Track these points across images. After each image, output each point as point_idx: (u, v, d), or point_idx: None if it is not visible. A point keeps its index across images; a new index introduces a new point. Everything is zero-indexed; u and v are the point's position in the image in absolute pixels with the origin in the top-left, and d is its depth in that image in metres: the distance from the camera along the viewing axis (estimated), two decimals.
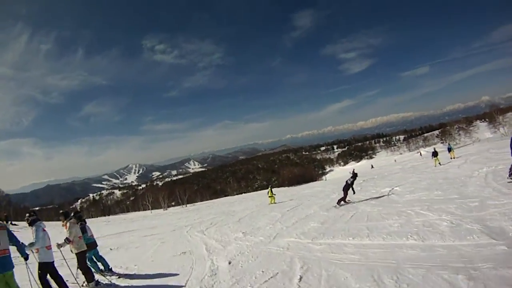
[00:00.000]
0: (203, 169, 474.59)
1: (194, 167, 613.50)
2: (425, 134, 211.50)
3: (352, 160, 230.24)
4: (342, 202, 18.21)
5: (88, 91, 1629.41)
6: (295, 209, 20.97)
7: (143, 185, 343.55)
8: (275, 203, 29.13)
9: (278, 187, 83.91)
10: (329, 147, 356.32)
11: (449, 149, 40.30)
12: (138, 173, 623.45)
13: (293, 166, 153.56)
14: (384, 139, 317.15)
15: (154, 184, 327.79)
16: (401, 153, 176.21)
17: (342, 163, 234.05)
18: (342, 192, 18.48)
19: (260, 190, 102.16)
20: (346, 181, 18.71)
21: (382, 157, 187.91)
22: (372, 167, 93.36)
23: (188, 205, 67.04)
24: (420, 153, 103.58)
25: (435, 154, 34.36)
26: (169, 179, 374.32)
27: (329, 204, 19.28)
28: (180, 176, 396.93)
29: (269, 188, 32.52)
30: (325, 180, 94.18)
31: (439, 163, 32.07)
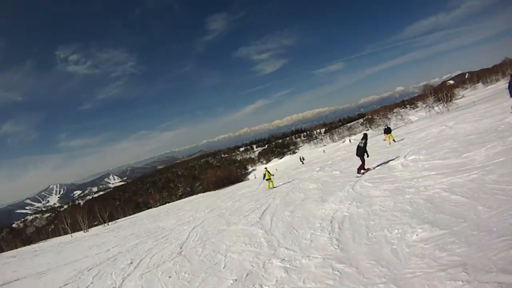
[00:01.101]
0: (123, 183, 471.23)
1: (114, 181, 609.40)
2: (348, 124, 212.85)
3: (275, 157, 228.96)
4: (363, 170, 17.32)
5: (3, 109, 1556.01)
6: (274, 208, 16.98)
7: (66, 206, 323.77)
8: (274, 187, 27.18)
9: (204, 192, 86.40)
10: (248, 147, 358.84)
11: (388, 130, 34.22)
12: (59, 193, 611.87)
13: (215, 169, 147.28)
14: (304, 133, 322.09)
15: (76, 203, 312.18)
16: (325, 145, 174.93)
17: (264, 161, 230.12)
18: (359, 159, 17.46)
19: (185, 197, 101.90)
20: (358, 145, 17.70)
21: (306, 150, 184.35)
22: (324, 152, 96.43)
23: (110, 223, 61.52)
24: (350, 140, 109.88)
25: (388, 130, 32.85)
26: (90, 197, 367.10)
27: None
28: (101, 193, 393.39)
29: (265, 170, 29.56)
30: (255, 177, 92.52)
31: (394, 140, 30.94)
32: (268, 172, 28.58)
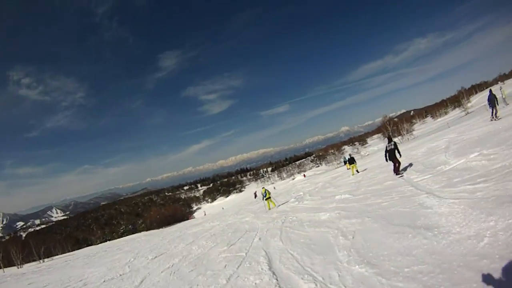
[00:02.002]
0: (65, 217, 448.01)
1: (57, 215, 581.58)
2: (297, 162, 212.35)
3: (220, 196, 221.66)
4: (401, 171, 17.33)
5: None
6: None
7: (7, 237, 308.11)
8: (274, 206, 25.91)
9: (147, 230, 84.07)
10: (192, 186, 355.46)
11: (351, 161, 33.12)
12: (2, 223, 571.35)
13: (159, 207, 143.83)
14: (250, 172, 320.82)
15: (18, 235, 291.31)
16: (273, 183, 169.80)
17: (209, 200, 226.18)
18: (393, 162, 17.44)
19: (127, 235, 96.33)
20: (388, 150, 17.66)
21: (253, 189, 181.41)
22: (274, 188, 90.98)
23: (46, 259, 55.77)
24: (304, 175, 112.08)
25: (351, 160, 30.78)
26: (32, 229, 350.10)
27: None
28: (43, 226, 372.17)
29: (263, 189, 27.86)
30: (205, 214, 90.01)
31: (357, 171, 29.64)
32: (267, 191, 26.94)
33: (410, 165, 18.40)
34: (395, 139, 79.71)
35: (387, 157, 17.68)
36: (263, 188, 28.82)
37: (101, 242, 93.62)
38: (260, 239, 14.79)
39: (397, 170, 17.07)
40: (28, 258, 59.49)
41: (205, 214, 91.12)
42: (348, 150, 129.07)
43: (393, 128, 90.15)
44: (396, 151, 17.16)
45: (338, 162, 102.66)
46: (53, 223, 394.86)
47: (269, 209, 25.65)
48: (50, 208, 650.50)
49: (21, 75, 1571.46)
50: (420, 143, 33.17)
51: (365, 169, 30.36)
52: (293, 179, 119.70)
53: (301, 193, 30.26)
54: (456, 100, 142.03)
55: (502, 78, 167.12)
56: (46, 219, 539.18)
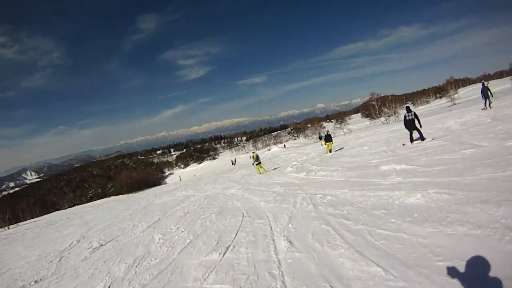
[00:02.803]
0: (39, 179, 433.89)
1: (31, 177, 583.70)
2: (273, 133, 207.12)
3: (193, 162, 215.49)
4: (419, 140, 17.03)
5: None
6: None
7: None
8: (265, 171, 25.52)
9: (116, 195, 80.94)
10: (165, 150, 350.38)
11: (322, 137, 40.94)
12: None
13: (130, 171, 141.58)
14: (224, 140, 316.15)
15: None
16: (247, 152, 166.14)
17: (182, 166, 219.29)
18: (409, 132, 17.48)
19: (96, 199, 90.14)
20: (407, 119, 17.45)
21: (227, 157, 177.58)
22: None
23: (11, 226, 51.48)
24: (284, 145, 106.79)
25: (328, 138, 28.36)
26: (6, 193, 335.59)
27: None
28: (17, 189, 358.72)
29: (254, 153, 27.85)
30: (180, 179, 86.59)
31: (330, 150, 27.17)
32: (258, 156, 26.73)
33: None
34: (381, 119, 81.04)
35: (406, 126, 17.65)
36: (253, 152, 28.64)
37: (69, 207, 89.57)
38: (290, 243, 7.60)
39: (422, 137, 16.83)
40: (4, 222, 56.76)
41: (180, 179, 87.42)
42: (327, 126, 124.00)
43: (380, 108, 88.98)
44: (416, 121, 17.10)
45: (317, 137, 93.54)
46: (27, 185, 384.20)
47: (259, 174, 24.92)
48: (24, 170, 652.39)
49: None
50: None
51: (341, 148, 27.89)
52: (269, 149, 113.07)
53: (295, 162, 25.64)
54: (441, 90, 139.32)
55: (487, 77, 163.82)
56: (21, 181, 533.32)
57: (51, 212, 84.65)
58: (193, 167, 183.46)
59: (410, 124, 17.19)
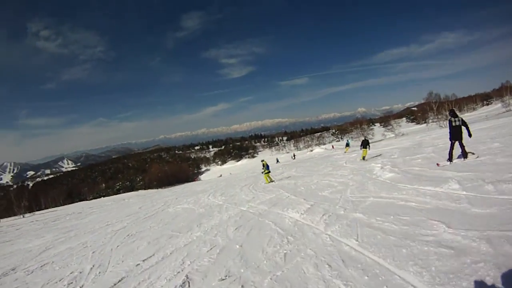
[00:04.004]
0: (76, 168, 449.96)
1: (68, 166, 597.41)
2: (316, 134, 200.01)
3: (231, 159, 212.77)
4: (469, 155, 13.43)
5: None
6: None
7: (15, 186, 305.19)
8: (272, 181, 23.68)
9: (145, 189, 78.54)
10: (204, 146, 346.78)
11: (347, 144, 47.11)
12: (13, 172, 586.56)
13: (163, 164, 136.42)
14: (265, 139, 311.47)
15: (25, 184, 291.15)
16: (287, 152, 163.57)
17: (219, 162, 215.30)
18: (450, 143, 13.75)
19: (123, 192, 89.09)
20: (451, 124, 13.77)
21: (267, 156, 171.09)
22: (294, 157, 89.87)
23: (26, 215, 52.46)
24: (332, 146, 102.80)
25: (364, 144, 27.20)
26: (40, 179, 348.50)
27: None
28: (51, 176, 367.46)
29: (263, 162, 25.53)
30: (220, 176, 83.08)
31: (363, 158, 25.49)
32: (267, 164, 25.05)
33: None
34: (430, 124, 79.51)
35: (452, 136, 13.61)
36: (263, 160, 26.56)
37: (94, 198, 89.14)
38: None
39: (465, 154, 13.28)
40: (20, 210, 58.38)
41: (220, 176, 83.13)
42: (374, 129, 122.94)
43: (438, 109, 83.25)
44: (465, 128, 13.45)
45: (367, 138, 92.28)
46: (62, 173, 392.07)
47: (267, 182, 23.59)
48: (61, 158, 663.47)
49: (40, 27, 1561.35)
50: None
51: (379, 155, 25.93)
52: (311, 150, 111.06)
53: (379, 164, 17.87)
54: (489, 97, 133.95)
55: None
56: (57, 169, 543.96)
57: (75, 202, 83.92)
58: (231, 165, 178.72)
59: (456, 132, 13.66)
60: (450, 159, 13.42)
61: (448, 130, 14.06)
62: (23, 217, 50.09)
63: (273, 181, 23.64)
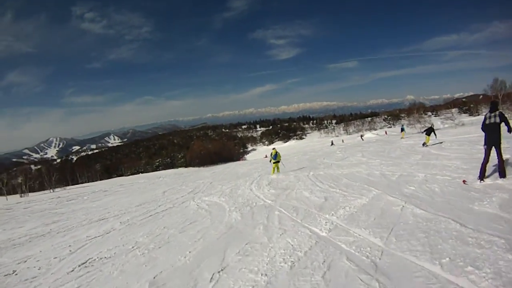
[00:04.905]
0: (121, 144, 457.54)
1: (114, 141, 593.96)
2: (367, 119, 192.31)
3: (279, 140, 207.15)
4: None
5: (12, 58, 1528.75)
6: None
7: (59, 160, 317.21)
8: (278, 171, 22.13)
9: (186, 166, 76.32)
10: (251, 126, 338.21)
11: (402, 129, 48.18)
12: (58, 147, 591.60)
13: (206, 142, 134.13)
14: (313, 121, 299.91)
15: (69, 158, 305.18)
16: (337, 135, 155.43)
17: (266, 142, 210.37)
18: (485, 150, 9.17)
19: (162, 169, 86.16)
20: (485, 121, 9.36)
21: (315, 138, 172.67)
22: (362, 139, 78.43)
23: (57, 189, 54.51)
24: (362, 137, 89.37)
25: (429, 131, 26.03)
26: (84, 154, 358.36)
27: None
28: (96, 151, 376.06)
29: (273, 150, 23.28)
30: (266, 156, 70.70)
31: (423, 143, 24.71)
32: (278, 153, 22.84)
33: None
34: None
35: (486, 139, 9.14)
36: (274, 148, 23.97)
37: (131, 174, 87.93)
38: None
39: (481, 170, 9.07)
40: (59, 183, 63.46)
41: (266, 156, 72.56)
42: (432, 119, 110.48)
43: (504, 100, 72.03)
44: (505, 124, 8.78)
45: (422, 127, 77.20)
46: (106, 148, 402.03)
47: (273, 173, 21.58)
48: (107, 134, 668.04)
49: (85, 10, 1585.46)
50: None
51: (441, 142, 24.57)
52: (361, 135, 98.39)
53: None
54: None
55: None
56: (103, 144, 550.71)
57: (113, 177, 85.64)
58: (278, 145, 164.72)
59: (492, 132, 8.85)
60: (481, 176, 9.12)
61: (481, 128, 9.64)
62: (53, 191, 50.99)
63: (279, 171, 22.00)
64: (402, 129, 49.06)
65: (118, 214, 15.75)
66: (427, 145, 23.85)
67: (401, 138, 42.21)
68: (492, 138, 9.00)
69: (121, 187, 36.55)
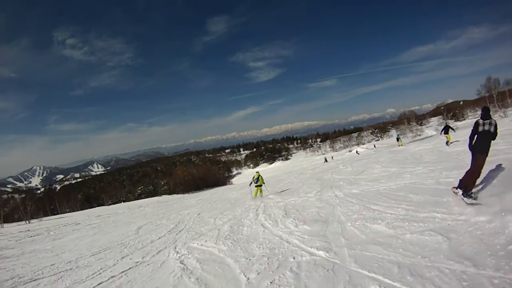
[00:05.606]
0: (105, 172, 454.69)
1: (98, 170, 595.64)
2: (354, 134, 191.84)
3: (264, 162, 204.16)
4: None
5: None
6: None
7: (42, 189, 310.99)
8: (262, 196, 20.74)
9: (169, 194, 72.11)
10: (235, 149, 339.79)
11: (398, 139, 52.44)
12: (42, 175, 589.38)
13: (187, 167, 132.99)
14: (298, 141, 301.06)
15: (53, 187, 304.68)
16: (323, 153, 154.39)
17: (251, 165, 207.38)
18: (477, 157, 8.09)
19: (145, 197, 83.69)
20: (476, 128, 8.25)
21: (301, 158, 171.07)
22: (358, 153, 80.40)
23: (32, 221, 51.02)
24: (357, 151, 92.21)
25: (446, 129, 28.09)
26: (68, 183, 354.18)
27: None
28: (79, 180, 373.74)
29: (257, 173, 22.14)
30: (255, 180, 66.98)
31: (446, 142, 25.50)
32: (261, 176, 21.76)
33: None
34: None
35: (474, 145, 8.18)
36: (257, 172, 22.82)
37: (113, 203, 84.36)
38: None
39: (469, 183, 7.75)
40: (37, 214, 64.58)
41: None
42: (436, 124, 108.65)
43: (497, 103, 74.64)
44: (494, 134, 8.03)
45: (415, 135, 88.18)
46: (90, 177, 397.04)
47: (255, 196, 20.97)
48: (91, 163, 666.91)
49: (66, 36, 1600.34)
50: None
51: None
52: (350, 151, 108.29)
53: None
54: None
55: None
56: (87, 173, 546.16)
57: (94, 206, 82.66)
58: (263, 167, 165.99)
59: (485, 140, 7.93)
60: (465, 188, 7.56)
61: (469, 137, 8.24)
62: (28, 222, 48.79)
63: (262, 195, 20.71)
64: (398, 138, 52.95)
65: (58, 272, 10.34)
66: (450, 143, 24.85)
67: (399, 145, 46.30)
68: (484, 145, 8.11)
69: (97, 219, 33.47)
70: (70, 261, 11.78)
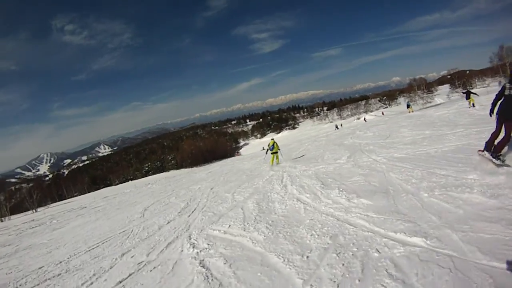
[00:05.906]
0: (112, 152, 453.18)
1: (105, 151, 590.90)
2: (362, 101, 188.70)
3: (271, 131, 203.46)
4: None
5: None
6: None
7: (50, 176, 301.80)
8: (278, 163, 20.80)
9: (177, 168, 72.46)
10: (241, 120, 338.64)
11: (408, 106, 52.71)
12: (50, 162, 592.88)
13: (195, 140, 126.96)
14: (304, 110, 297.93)
15: (61, 172, 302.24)
16: (331, 121, 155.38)
17: (258, 135, 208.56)
18: (497, 124, 7.60)
19: (152, 173, 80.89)
20: (503, 91, 7.50)
21: (308, 126, 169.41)
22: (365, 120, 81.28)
23: (39, 209, 47.08)
24: (365, 118, 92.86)
25: (468, 95, 29.55)
26: (75, 166, 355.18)
27: None
28: (87, 162, 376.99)
29: (272, 140, 22.13)
30: (263, 149, 68.02)
31: (473, 105, 27.68)
32: (276, 143, 21.80)
33: None
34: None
35: (499, 110, 7.48)
36: (272, 139, 22.92)
37: (120, 182, 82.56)
38: None
39: (499, 147, 7.29)
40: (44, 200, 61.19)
41: (263, 149, 66.69)
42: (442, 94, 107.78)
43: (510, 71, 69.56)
44: None
45: (425, 102, 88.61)
46: (97, 158, 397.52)
47: (272, 164, 21.02)
48: (97, 144, 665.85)
49: (64, 22, 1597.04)
50: None
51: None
52: (358, 118, 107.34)
53: None
54: None
55: None
56: (94, 155, 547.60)
57: (101, 188, 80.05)
58: (271, 137, 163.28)
59: (508, 107, 7.18)
60: (490, 148, 7.37)
61: (492, 102, 7.64)
62: (35, 211, 45.65)
63: (278, 163, 20.73)
64: (408, 105, 53.25)
65: (44, 280, 7.96)
66: (474, 106, 26.47)
67: (410, 112, 47.01)
68: (509, 110, 7.19)
69: (103, 201, 31.19)
70: (61, 261, 9.63)
